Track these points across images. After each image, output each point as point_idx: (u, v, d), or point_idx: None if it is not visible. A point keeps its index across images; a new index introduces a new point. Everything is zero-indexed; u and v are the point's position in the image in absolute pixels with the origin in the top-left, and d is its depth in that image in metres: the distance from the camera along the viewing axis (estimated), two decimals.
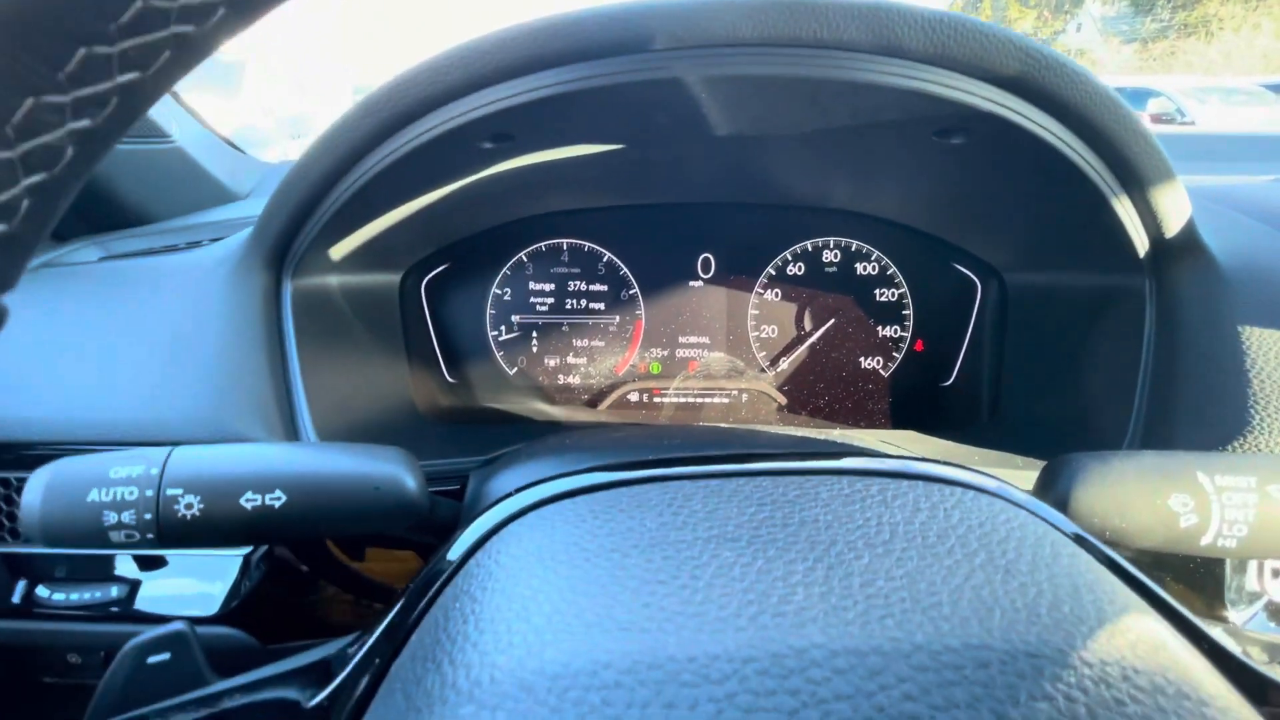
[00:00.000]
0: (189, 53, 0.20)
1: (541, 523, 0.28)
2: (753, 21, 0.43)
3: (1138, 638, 0.21)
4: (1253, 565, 0.54)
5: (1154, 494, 0.40)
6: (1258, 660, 0.25)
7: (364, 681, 0.26)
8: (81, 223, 0.88)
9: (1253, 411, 0.53)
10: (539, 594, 0.23)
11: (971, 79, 0.46)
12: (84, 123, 0.20)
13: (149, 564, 0.63)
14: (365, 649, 0.28)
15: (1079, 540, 0.29)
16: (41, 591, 0.62)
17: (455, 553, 0.30)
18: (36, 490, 0.38)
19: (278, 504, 0.40)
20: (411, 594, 0.29)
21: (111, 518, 0.38)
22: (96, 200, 0.87)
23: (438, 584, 0.28)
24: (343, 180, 0.55)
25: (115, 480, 0.38)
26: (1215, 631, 0.25)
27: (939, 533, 0.26)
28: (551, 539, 0.27)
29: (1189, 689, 0.18)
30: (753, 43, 0.44)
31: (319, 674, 0.29)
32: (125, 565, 0.63)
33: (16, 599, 0.62)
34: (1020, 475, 0.64)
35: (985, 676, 0.18)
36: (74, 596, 0.61)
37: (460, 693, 0.19)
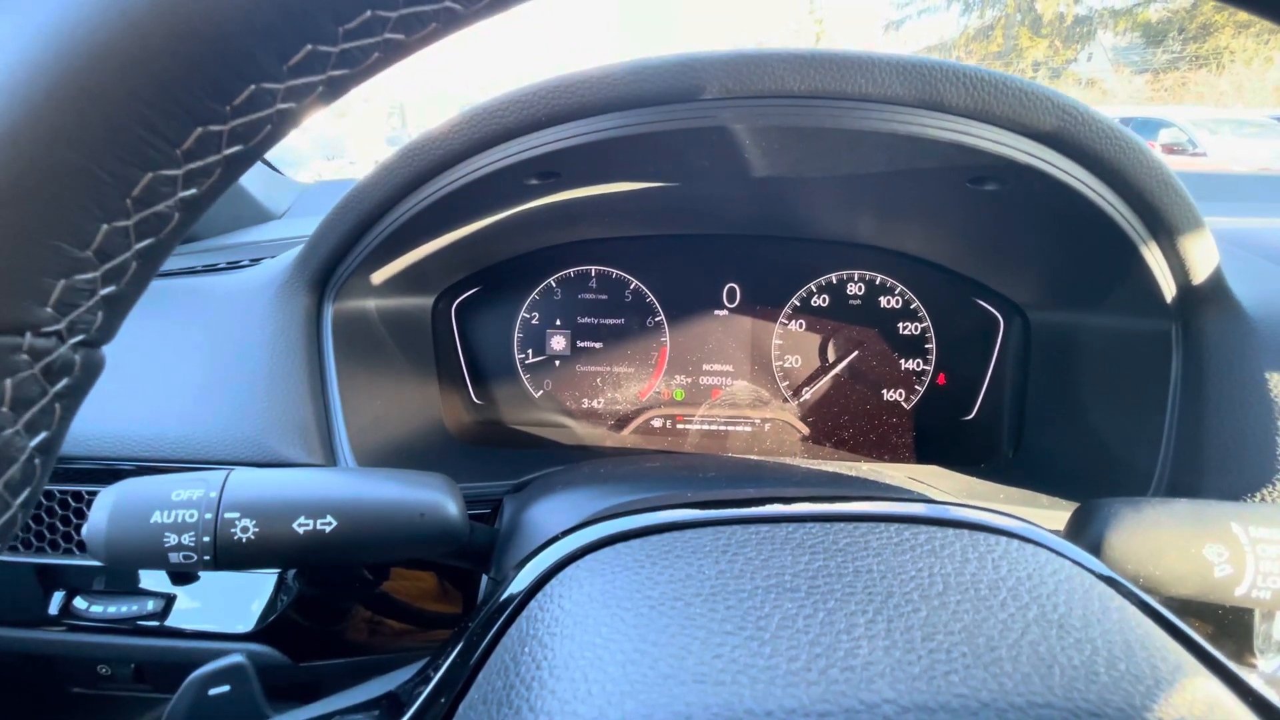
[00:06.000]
0: (287, 124, 0.22)
1: (600, 567, 0.29)
2: (800, 75, 0.45)
3: (1194, 697, 0.21)
4: None
5: (1188, 543, 0.40)
6: None
7: (434, 719, 0.27)
8: None
9: None
10: (610, 642, 0.24)
11: (1009, 132, 0.48)
12: (191, 192, 0.21)
13: (184, 579, 0.64)
14: (433, 685, 0.28)
15: (1116, 586, 0.30)
16: (79, 603, 0.63)
17: (514, 591, 0.31)
18: (103, 510, 0.39)
19: (328, 529, 0.41)
20: (474, 632, 0.30)
21: (172, 539, 0.39)
22: None
23: (499, 624, 0.29)
24: (391, 212, 0.56)
25: (176, 503, 0.39)
26: (1255, 681, 0.26)
27: (990, 585, 0.27)
28: (613, 584, 0.28)
29: None
30: (799, 95, 0.46)
31: (387, 708, 0.30)
32: (160, 580, 0.64)
33: (54, 609, 0.63)
34: (1046, 515, 0.64)
35: None
36: (111, 609, 0.62)
37: None
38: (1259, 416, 0.55)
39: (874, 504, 0.33)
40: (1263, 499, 0.53)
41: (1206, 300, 0.59)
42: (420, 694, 0.29)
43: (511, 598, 0.30)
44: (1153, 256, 0.57)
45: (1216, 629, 0.55)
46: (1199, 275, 0.58)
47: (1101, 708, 0.20)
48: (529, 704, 0.22)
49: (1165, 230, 0.55)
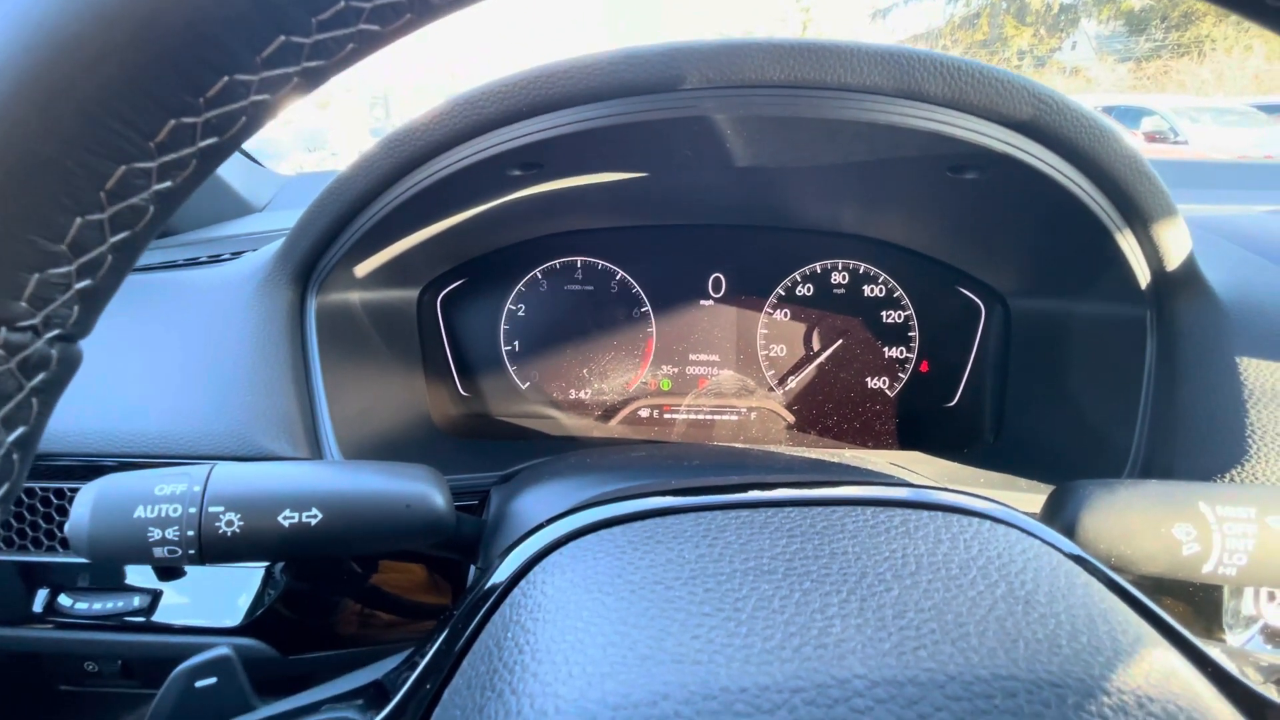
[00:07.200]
0: (263, 117, 0.22)
1: (582, 553, 0.30)
2: (780, 65, 0.45)
3: (1150, 666, 0.22)
4: (1249, 590, 0.56)
5: (1158, 523, 0.41)
6: (1254, 680, 0.27)
7: (419, 705, 0.27)
8: None
9: (1250, 441, 0.55)
10: (591, 625, 0.24)
11: (987, 121, 0.49)
12: (166, 184, 0.21)
13: (170, 574, 0.64)
14: (418, 672, 0.29)
15: (1084, 564, 0.31)
16: (64, 600, 0.63)
17: (498, 578, 0.31)
18: (85, 506, 0.39)
19: (313, 522, 0.41)
20: (459, 620, 0.30)
21: (156, 534, 0.39)
22: None
23: (484, 611, 0.30)
24: (374, 204, 0.56)
25: (160, 498, 0.39)
26: (1216, 653, 0.27)
27: (961, 564, 0.27)
28: (595, 569, 0.28)
29: (1197, 715, 0.20)
30: (779, 85, 0.46)
31: (373, 696, 0.31)
32: (146, 575, 0.64)
33: (39, 607, 0.63)
34: (1025, 498, 0.66)
35: (1013, 705, 0.20)
36: (96, 606, 0.62)
37: None
38: (1230, 400, 0.57)
39: (850, 488, 0.34)
40: (1233, 479, 0.54)
41: (1180, 286, 0.60)
42: (406, 681, 0.29)
43: (496, 585, 0.30)
44: (1127, 244, 0.58)
45: (1188, 606, 0.56)
46: (1172, 262, 0.59)
47: (1063, 678, 0.20)
48: (511, 686, 0.22)
49: (1139, 217, 0.56)
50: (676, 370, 0.88)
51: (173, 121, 0.20)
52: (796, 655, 0.21)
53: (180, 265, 0.77)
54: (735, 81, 0.46)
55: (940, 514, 0.31)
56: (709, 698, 0.20)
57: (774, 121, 0.50)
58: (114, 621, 0.63)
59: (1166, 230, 0.57)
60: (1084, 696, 0.20)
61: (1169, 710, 0.20)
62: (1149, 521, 0.41)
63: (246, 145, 1.13)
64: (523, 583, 0.29)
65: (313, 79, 0.23)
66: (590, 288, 0.87)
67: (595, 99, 0.47)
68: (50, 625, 0.63)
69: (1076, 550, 0.32)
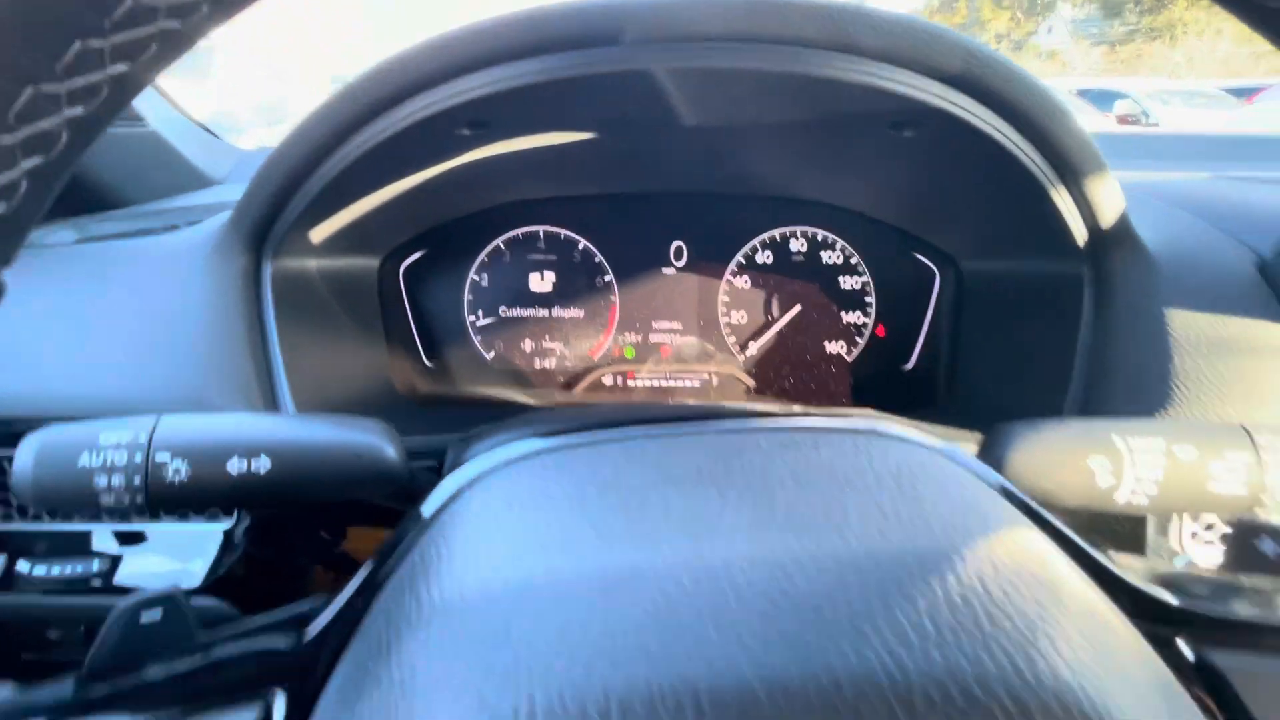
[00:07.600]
0: (174, 46, 0.22)
1: (510, 475, 0.31)
2: (717, 17, 0.46)
3: (1012, 543, 0.24)
4: (1173, 527, 0.59)
5: (1076, 456, 0.43)
6: (1132, 577, 0.29)
7: (348, 621, 0.29)
8: (56, 204, 0.87)
9: (1176, 387, 0.57)
10: (504, 530, 0.26)
11: (920, 75, 0.50)
12: (78, 110, 0.22)
13: (130, 539, 0.64)
14: (348, 596, 0.30)
15: (979, 475, 0.33)
16: (22, 566, 0.63)
17: (430, 508, 0.32)
18: (29, 454, 0.39)
19: (263, 470, 0.42)
20: (387, 545, 0.31)
21: (102, 481, 0.39)
22: (71, 182, 0.86)
23: (413, 533, 0.31)
24: (323, 164, 0.56)
25: (105, 445, 0.40)
26: (1093, 550, 0.29)
27: (858, 470, 0.29)
28: (516, 488, 0.29)
29: (1046, 576, 0.22)
30: (717, 37, 0.47)
31: (303, 621, 0.32)
32: (106, 540, 0.64)
33: None
34: (969, 450, 0.68)
35: (879, 573, 0.22)
36: (55, 571, 0.62)
37: (433, 606, 0.22)
38: (1159, 350, 0.59)
39: (774, 419, 0.35)
40: None
41: (1114, 243, 0.63)
42: (338, 603, 0.30)
43: (426, 513, 0.32)
44: (1063, 201, 0.60)
45: (1115, 544, 0.59)
46: (1106, 219, 0.61)
47: (925, 550, 0.22)
48: (426, 583, 0.24)
49: (1071, 174, 0.58)
50: (640, 338, 0.89)
51: (78, 43, 0.21)
52: (687, 539, 0.23)
53: (133, 234, 0.76)
54: (672, 35, 0.47)
55: (850, 435, 0.33)
56: (603, 576, 0.21)
57: (714, 75, 0.51)
58: (78, 585, 0.63)
59: (1098, 186, 0.59)
60: (943, 561, 0.21)
61: (1023, 576, 0.22)
62: (1068, 456, 0.43)
63: (204, 118, 1.12)
64: (452, 504, 0.31)
65: (225, 9, 0.23)
66: (553, 257, 0.88)
67: (532, 53, 0.48)
68: (9, 592, 0.63)
69: (974, 463, 0.33)
